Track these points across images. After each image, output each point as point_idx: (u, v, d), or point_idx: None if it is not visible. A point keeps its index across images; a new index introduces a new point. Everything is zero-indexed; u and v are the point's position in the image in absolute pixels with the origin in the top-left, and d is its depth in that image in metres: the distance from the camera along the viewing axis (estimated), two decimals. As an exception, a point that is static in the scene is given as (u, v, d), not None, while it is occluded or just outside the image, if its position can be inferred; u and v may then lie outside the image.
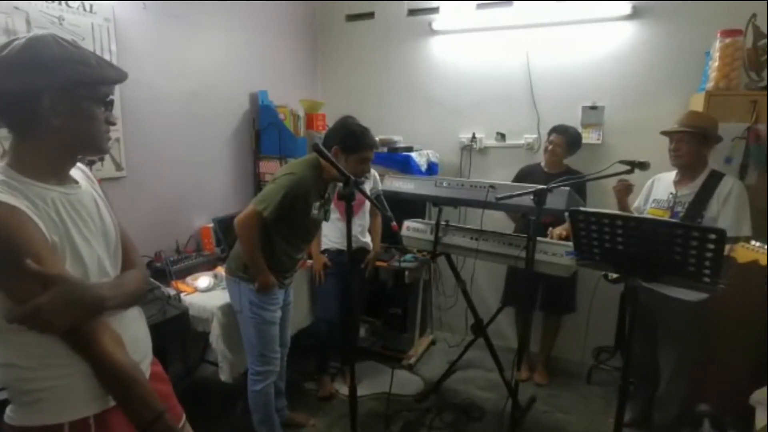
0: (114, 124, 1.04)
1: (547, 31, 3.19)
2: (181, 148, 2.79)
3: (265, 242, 2.05)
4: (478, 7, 3.36)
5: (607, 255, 1.71)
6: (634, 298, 1.71)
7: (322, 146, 1.49)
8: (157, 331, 2.04)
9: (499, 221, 3.11)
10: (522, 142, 3.36)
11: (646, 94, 2.99)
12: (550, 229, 2.67)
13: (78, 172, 1.07)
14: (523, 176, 2.98)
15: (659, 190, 2.33)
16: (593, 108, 3.10)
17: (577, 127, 3.05)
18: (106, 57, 2.30)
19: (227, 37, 3.07)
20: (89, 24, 2.24)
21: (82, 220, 0.99)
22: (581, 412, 2.76)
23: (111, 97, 1.02)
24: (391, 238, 3.12)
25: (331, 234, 2.86)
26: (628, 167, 1.97)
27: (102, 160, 2.35)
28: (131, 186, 2.51)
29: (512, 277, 3.08)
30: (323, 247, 2.87)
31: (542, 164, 3.00)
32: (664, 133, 2.26)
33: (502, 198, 1.99)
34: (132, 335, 1.06)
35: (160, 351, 2.24)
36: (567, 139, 2.86)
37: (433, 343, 3.59)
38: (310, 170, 2.05)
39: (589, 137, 3.11)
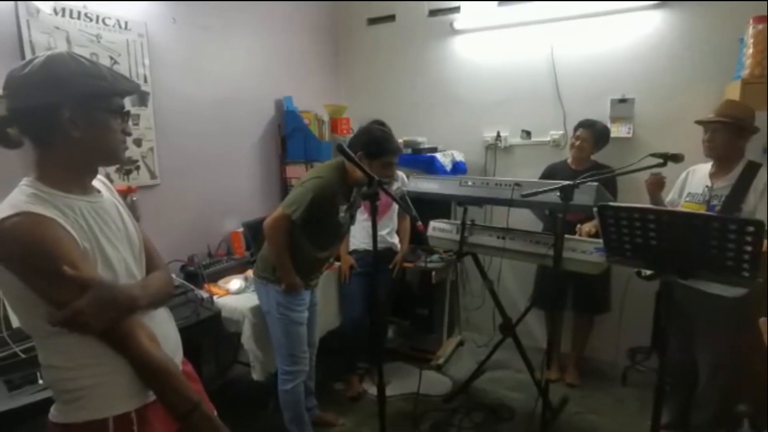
0: (130, 134, 1.10)
1: (572, 24, 3.14)
2: (211, 155, 2.88)
3: (293, 245, 2.09)
4: (500, 4, 3.34)
5: (639, 251, 1.67)
6: (668, 295, 1.67)
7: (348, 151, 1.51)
8: (191, 332, 2.13)
9: (526, 220, 3.07)
10: (548, 139, 3.31)
11: (678, 84, 2.90)
12: (579, 226, 2.62)
13: (98, 182, 1.12)
14: (549, 174, 2.94)
15: (694, 183, 2.25)
16: (622, 101, 3.03)
17: (606, 122, 2.99)
18: (140, 70, 2.41)
19: (252, 47, 3.15)
20: (124, 40, 2.34)
21: (108, 227, 1.04)
22: (615, 413, 2.69)
23: (126, 108, 1.07)
24: (418, 238, 3.12)
25: (358, 234, 2.89)
26: (660, 160, 1.91)
27: (138, 168, 2.44)
28: (165, 193, 2.60)
29: (541, 276, 3.03)
30: (351, 247, 2.90)
31: (569, 161, 2.94)
32: (698, 122, 2.19)
33: (527, 195, 1.96)
34: (162, 333, 1.10)
35: (194, 351, 2.32)
36: (594, 133, 2.81)
37: (461, 343, 3.57)
38: (336, 173, 2.08)
39: (618, 131, 3.03)
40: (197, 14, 2.72)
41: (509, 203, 2.16)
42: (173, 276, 2.33)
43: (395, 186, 2.90)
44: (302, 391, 2.28)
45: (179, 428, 1.10)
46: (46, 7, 2.00)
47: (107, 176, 2.25)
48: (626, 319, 2.88)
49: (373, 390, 2.98)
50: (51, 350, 0.98)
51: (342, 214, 2.13)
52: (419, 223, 1.89)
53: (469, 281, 3.58)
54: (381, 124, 2.18)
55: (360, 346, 2.92)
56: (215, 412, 1.33)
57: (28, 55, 1.91)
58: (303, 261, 2.14)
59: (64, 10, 2.07)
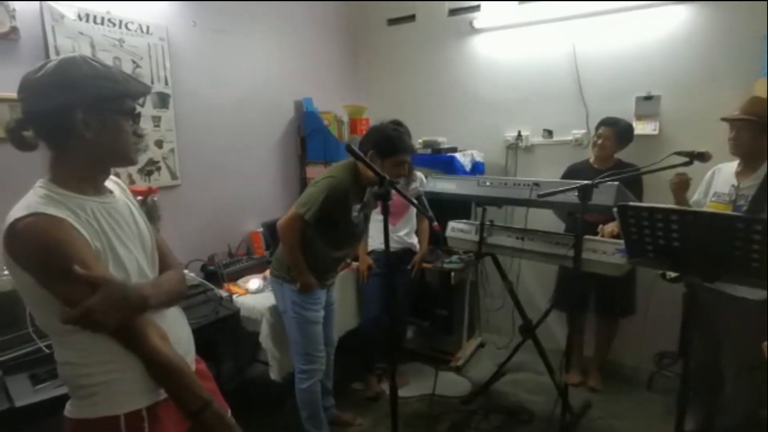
0: (141, 136, 1.12)
1: (594, 20, 3.07)
2: (231, 157, 2.92)
3: (307, 245, 2.10)
4: (521, 2, 3.29)
5: (662, 252, 1.61)
6: (693, 297, 1.61)
7: (357, 150, 1.51)
8: (209, 330, 2.17)
9: (547, 221, 3.02)
10: (570, 138, 3.25)
11: (705, 80, 2.80)
12: (601, 226, 2.56)
13: (112, 183, 1.15)
14: (571, 174, 2.88)
15: (720, 182, 2.17)
16: (648, 98, 2.95)
17: (631, 119, 2.91)
18: (161, 73, 2.46)
19: (272, 48, 3.18)
20: (146, 44, 2.39)
21: (120, 227, 1.06)
22: (639, 419, 2.62)
23: (138, 110, 1.09)
24: (436, 239, 3.10)
25: (376, 235, 2.88)
26: (686, 159, 1.85)
27: (159, 170, 2.50)
28: (186, 194, 2.65)
29: (563, 277, 2.97)
30: (369, 248, 2.90)
31: (591, 160, 2.88)
32: (723, 119, 2.12)
33: (543, 195, 1.92)
34: (174, 332, 1.12)
35: (212, 349, 2.36)
36: (616, 131, 2.74)
37: (481, 345, 3.53)
38: (349, 173, 2.07)
39: (644, 129, 2.96)
40: (217, 17, 2.76)
41: (527, 203, 2.12)
42: (192, 275, 2.39)
43: (412, 186, 2.90)
44: (318, 390, 2.29)
45: (191, 427, 1.11)
46: (70, 13, 2.06)
47: (129, 177, 2.32)
48: (652, 323, 2.80)
49: (391, 390, 2.98)
50: (66, 347, 1.01)
51: (355, 214, 2.12)
52: (435, 223, 1.87)
53: (489, 282, 3.53)
54: (398, 124, 2.16)
55: (378, 346, 2.92)
56: (229, 411, 1.35)
57: (54, 60, 1.97)
58: (317, 261, 2.15)
59: (88, 15, 2.13)
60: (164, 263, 1.19)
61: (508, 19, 3.33)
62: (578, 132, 3.22)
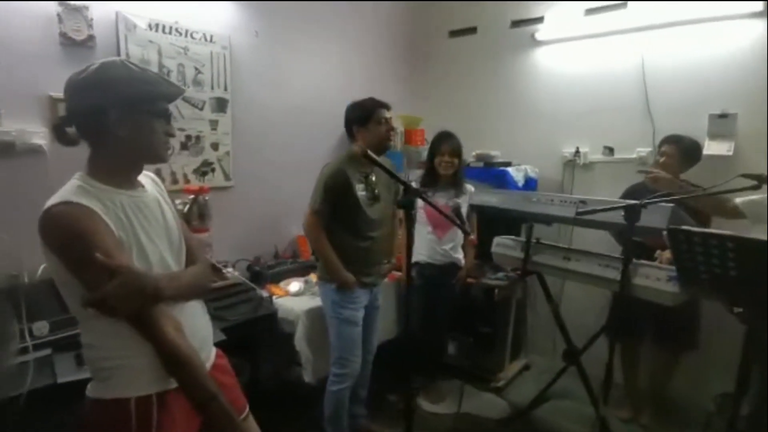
0: (173, 135, 1.18)
1: (665, 32, 2.88)
2: (284, 161, 3.02)
3: (332, 239, 2.18)
4: (587, 12, 3.16)
5: (717, 283, 1.48)
6: (752, 334, 1.45)
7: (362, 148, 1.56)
8: (247, 327, 2.24)
9: (605, 242, 2.84)
10: (633, 156, 3.05)
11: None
12: (659, 252, 2.37)
13: (146, 178, 1.22)
14: (630, 195, 2.68)
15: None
16: (722, 116, 2.71)
17: (703, 139, 2.69)
18: (221, 79, 2.60)
19: (331, 57, 3.27)
20: (209, 52, 2.54)
21: (147, 220, 1.12)
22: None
23: (170, 111, 1.16)
24: (485, 255, 3.02)
25: (420, 247, 2.85)
26: (753, 182, 1.68)
27: (213, 171, 2.63)
28: (238, 195, 2.77)
29: (618, 303, 2.77)
30: (414, 259, 2.87)
31: (654, 180, 2.68)
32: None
33: (582, 213, 1.82)
34: (191, 325, 1.16)
35: (249, 347, 2.42)
36: (680, 149, 2.53)
37: (526, 367, 3.37)
38: (345, 158, 2.23)
39: (717, 149, 2.71)
40: (278, 27, 2.88)
41: (572, 222, 2.01)
42: (237, 274, 2.48)
43: (462, 199, 2.83)
44: (347, 395, 2.29)
45: (203, 420, 1.15)
46: (142, 23, 2.24)
47: (184, 177, 2.46)
48: (715, 360, 2.56)
49: (426, 405, 2.92)
50: (88, 331, 1.08)
51: (362, 193, 2.19)
52: (471, 236, 1.83)
53: (536, 302, 3.38)
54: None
55: (415, 359, 2.87)
56: (247, 408, 1.38)
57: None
58: (346, 253, 2.19)
59: (157, 25, 2.30)
60: (191, 259, 1.25)
61: (572, 30, 3.21)
62: (643, 150, 3.02)
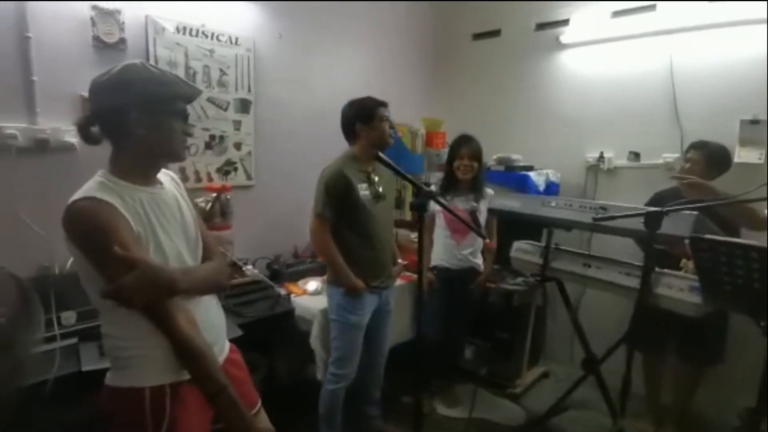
0: (190, 135, 1.22)
1: (695, 35, 2.81)
2: (305, 162, 3.04)
3: (339, 244, 2.17)
4: (614, 14, 3.11)
5: (740, 294, 1.43)
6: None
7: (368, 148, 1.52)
8: (264, 324, 2.28)
9: (629, 249, 2.78)
10: (660, 161, 2.98)
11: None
12: (684, 261, 2.30)
13: (165, 176, 1.26)
14: (655, 202, 2.62)
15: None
16: (754, 122, 2.63)
17: (733, 145, 2.61)
18: (245, 81, 2.65)
19: (353, 60, 3.30)
20: (234, 54, 2.60)
21: (164, 216, 1.16)
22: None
23: (188, 111, 1.19)
24: (505, 259, 3.00)
25: (439, 251, 2.84)
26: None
27: (236, 170, 2.69)
28: (258, 194, 2.83)
29: (641, 312, 2.70)
30: (432, 263, 2.86)
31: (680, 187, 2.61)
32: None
33: (599, 219, 1.78)
34: (205, 319, 1.20)
35: (266, 343, 2.46)
36: (705, 156, 2.43)
37: (545, 375, 3.33)
38: (344, 158, 2.21)
39: (748, 156, 2.63)
40: (301, 29, 2.93)
41: (591, 228, 1.98)
42: (256, 271, 2.52)
43: (481, 203, 2.81)
44: (342, 396, 2.29)
45: (215, 413, 1.18)
46: (170, 26, 2.31)
47: (207, 175, 2.52)
48: (742, 374, 2.47)
49: (442, 409, 2.91)
50: (108, 321, 1.13)
51: (364, 192, 2.16)
52: (487, 240, 1.82)
53: (556, 308, 3.33)
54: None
55: (431, 363, 2.86)
56: (259, 403, 1.41)
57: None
58: (355, 257, 2.18)
59: (185, 28, 2.37)
60: (207, 255, 1.28)
61: (598, 33, 3.16)
62: (670, 156, 2.94)
